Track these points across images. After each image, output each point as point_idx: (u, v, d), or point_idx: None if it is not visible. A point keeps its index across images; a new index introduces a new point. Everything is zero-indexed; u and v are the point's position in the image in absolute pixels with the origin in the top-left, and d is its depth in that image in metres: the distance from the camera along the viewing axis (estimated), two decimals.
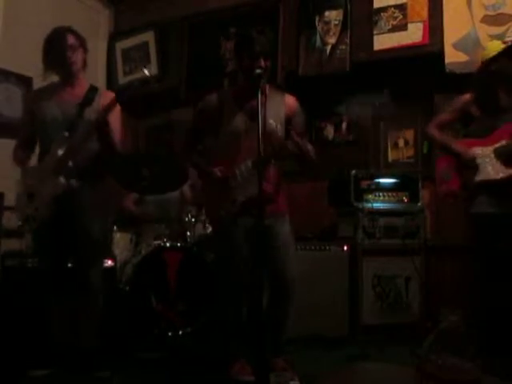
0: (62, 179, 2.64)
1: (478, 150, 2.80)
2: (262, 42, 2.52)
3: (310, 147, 2.53)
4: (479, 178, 2.77)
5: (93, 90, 2.82)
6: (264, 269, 2.24)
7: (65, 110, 2.72)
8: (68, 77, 2.79)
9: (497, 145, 2.76)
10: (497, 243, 2.70)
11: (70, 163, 2.67)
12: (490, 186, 2.73)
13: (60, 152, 2.67)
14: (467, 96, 2.92)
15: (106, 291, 2.98)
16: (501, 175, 2.72)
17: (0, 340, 2.88)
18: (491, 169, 2.74)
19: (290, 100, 2.73)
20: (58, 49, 2.70)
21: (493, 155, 2.76)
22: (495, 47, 2.90)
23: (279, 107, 2.66)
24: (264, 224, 2.12)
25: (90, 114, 2.72)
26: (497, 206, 2.71)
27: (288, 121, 2.68)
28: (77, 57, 2.76)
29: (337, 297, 3.46)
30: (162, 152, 4.00)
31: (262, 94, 2.24)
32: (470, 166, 2.80)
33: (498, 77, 2.82)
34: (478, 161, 2.78)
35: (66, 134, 2.68)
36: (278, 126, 2.63)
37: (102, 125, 2.67)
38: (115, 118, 2.79)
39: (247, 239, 2.55)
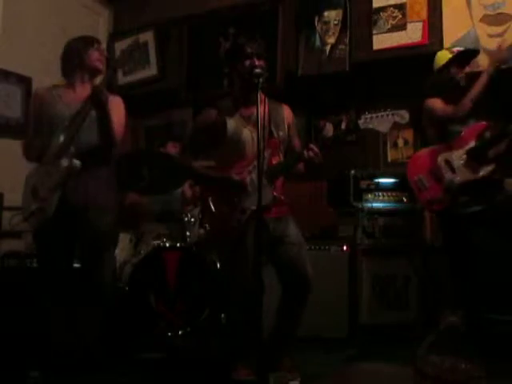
0: (64, 161, 2.58)
1: (449, 155, 2.96)
2: (252, 46, 2.57)
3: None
4: (459, 179, 2.91)
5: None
6: (266, 268, 2.25)
7: (72, 109, 2.69)
8: (93, 75, 2.85)
9: (467, 147, 2.92)
10: (480, 239, 2.89)
11: (72, 148, 2.61)
12: (471, 185, 2.88)
13: (61, 139, 2.63)
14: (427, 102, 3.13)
15: (111, 293, 2.97)
16: (481, 173, 2.85)
17: (0, 340, 2.89)
18: (469, 169, 2.88)
19: (288, 109, 2.78)
20: (90, 50, 2.80)
21: (466, 157, 2.90)
22: (444, 56, 3.10)
23: (281, 117, 2.70)
24: (266, 226, 2.13)
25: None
26: (479, 203, 2.85)
27: (288, 130, 2.72)
28: (103, 62, 2.87)
29: (336, 297, 3.46)
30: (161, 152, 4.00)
31: (261, 102, 2.23)
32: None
33: (447, 85, 3.02)
34: (454, 164, 2.93)
35: (66, 123, 2.65)
36: (285, 137, 2.68)
37: (101, 109, 2.66)
38: (117, 112, 2.80)
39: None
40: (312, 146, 2.47)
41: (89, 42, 2.86)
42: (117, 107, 2.82)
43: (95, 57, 2.83)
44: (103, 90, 2.66)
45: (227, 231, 2.62)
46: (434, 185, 2.99)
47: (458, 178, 2.91)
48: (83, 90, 2.78)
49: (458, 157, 2.93)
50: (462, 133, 2.97)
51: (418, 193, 3.10)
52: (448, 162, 2.95)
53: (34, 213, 2.65)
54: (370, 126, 2.41)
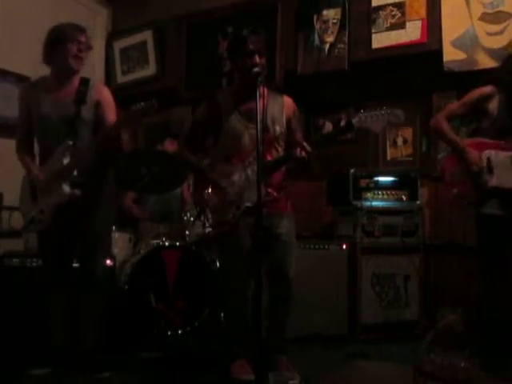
0: (66, 188, 2.62)
1: (493, 154, 2.71)
2: (254, 41, 2.54)
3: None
4: (494, 183, 2.68)
5: (84, 82, 2.77)
6: (263, 267, 2.25)
7: (60, 109, 2.70)
8: (69, 73, 2.75)
9: None
10: (504, 245, 2.67)
11: (75, 172, 2.65)
12: (504, 192, 2.67)
13: (65, 161, 2.65)
14: (487, 89, 2.79)
15: (106, 290, 2.98)
16: None
17: (0, 340, 2.89)
18: (508, 177, 2.67)
19: (289, 101, 2.76)
20: (68, 44, 2.65)
21: (509, 162, 2.68)
22: None
23: (280, 111, 2.68)
24: (264, 226, 2.12)
25: (87, 111, 2.72)
26: (508, 211, 2.66)
27: (288, 123, 2.71)
28: (85, 56, 2.74)
29: (336, 296, 3.46)
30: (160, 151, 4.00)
31: (260, 97, 2.22)
32: (480, 172, 2.71)
33: None
34: (494, 165, 2.70)
35: (70, 142, 2.65)
36: (282, 130, 2.67)
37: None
38: (111, 111, 2.79)
39: (251, 239, 2.56)
40: (305, 145, 2.46)
41: (72, 29, 2.69)
42: (109, 106, 2.80)
43: (72, 52, 2.66)
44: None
45: (222, 224, 2.65)
46: (468, 180, 2.75)
47: (492, 181, 2.69)
48: (70, 87, 2.74)
49: (501, 159, 2.70)
50: None
51: (449, 184, 2.87)
52: (489, 161, 2.71)
53: (33, 220, 2.70)
54: (365, 126, 2.35)
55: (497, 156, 2.71)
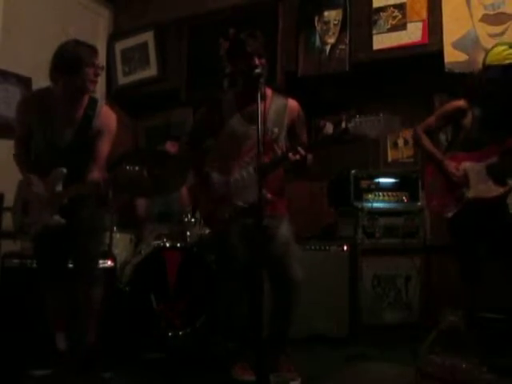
0: (56, 217, 2.63)
1: (469, 166, 2.80)
2: (252, 44, 2.54)
3: (309, 157, 2.53)
4: (471, 194, 2.77)
5: (92, 104, 2.74)
6: (263, 269, 2.25)
7: (62, 140, 2.69)
8: (83, 93, 2.70)
9: (489, 161, 2.76)
10: (476, 246, 2.78)
11: (65, 200, 2.65)
12: (481, 202, 2.75)
13: (57, 188, 2.65)
14: (462, 103, 2.86)
15: (106, 291, 2.98)
16: (494, 194, 2.73)
17: (0, 340, 2.89)
18: (483, 187, 2.75)
19: (293, 104, 2.72)
20: (85, 69, 2.60)
21: (485, 172, 2.76)
22: (501, 52, 2.80)
23: (282, 113, 2.67)
24: (262, 226, 2.12)
25: (90, 137, 2.71)
26: (485, 219, 2.75)
27: (291, 126, 2.70)
28: (95, 83, 2.71)
29: (337, 297, 3.46)
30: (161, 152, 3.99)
31: (263, 98, 2.22)
32: (460, 184, 2.80)
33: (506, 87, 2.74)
34: (470, 176, 2.78)
35: (64, 171, 2.64)
36: (282, 133, 2.65)
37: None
38: (106, 141, 2.77)
39: (247, 239, 2.56)
40: (299, 148, 2.41)
41: (89, 53, 2.65)
42: (109, 136, 2.78)
43: (90, 76, 2.63)
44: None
45: (215, 221, 2.66)
46: (446, 192, 2.85)
47: (469, 192, 2.77)
48: (78, 108, 2.71)
49: (477, 170, 2.78)
50: (489, 145, 2.78)
51: (428, 196, 3.00)
52: (466, 174, 2.80)
53: (22, 230, 2.75)
54: (361, 132, 2.22)
55: (473, 167, 2.79)
